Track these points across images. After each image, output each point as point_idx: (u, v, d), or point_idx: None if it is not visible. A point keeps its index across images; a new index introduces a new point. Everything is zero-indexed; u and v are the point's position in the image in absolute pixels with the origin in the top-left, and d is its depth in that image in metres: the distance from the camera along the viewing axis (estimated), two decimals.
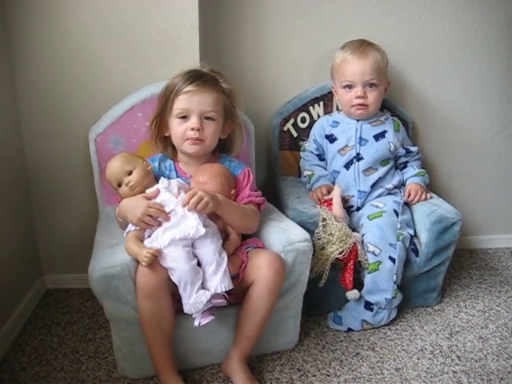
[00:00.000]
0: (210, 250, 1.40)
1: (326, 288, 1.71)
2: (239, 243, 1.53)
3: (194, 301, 1.36)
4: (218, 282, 1.38)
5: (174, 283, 1.38)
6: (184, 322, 1.46)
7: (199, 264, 1.41)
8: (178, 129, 1.55)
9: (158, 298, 1.39)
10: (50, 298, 1.96)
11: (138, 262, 1.39)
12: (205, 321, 1.39)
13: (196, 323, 1.39)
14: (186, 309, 1.37)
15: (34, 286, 1.92)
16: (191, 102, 1.52)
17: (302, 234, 1.54)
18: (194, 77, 1.54)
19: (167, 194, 1.45)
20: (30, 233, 1.93)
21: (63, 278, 2.01)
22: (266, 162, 2.14)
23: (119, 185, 1.50)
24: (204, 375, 1.55)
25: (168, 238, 1.37)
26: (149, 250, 1.35)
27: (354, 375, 1.55)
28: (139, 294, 1.38)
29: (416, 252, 1.78)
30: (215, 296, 1.38)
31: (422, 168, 1.98)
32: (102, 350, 1.66)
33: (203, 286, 1.38)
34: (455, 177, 2.26)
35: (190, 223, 1.39)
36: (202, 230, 1.38)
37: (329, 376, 1.55)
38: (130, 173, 1.49)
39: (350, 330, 1.76)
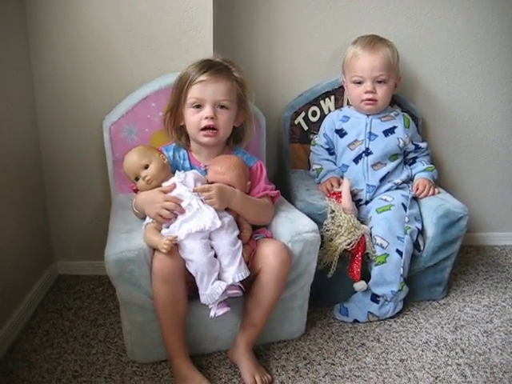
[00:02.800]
0: (225, 242, 1.43)
1: (333, 279, 1.73)
2: (251, 231, 1.56)
3: (210, 292, 1.39)
4: (235, 272, 1.41)
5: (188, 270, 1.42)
6: (194, 309, 1.49)
7: (216, 255, 1.43)
8: (192, 118, 1.58)
9: (175, 283, 1.41)
10: (61, 283, 2.00)
11: (155, 248, 1.42)
12: (220, 312, 1.41)
13: (212, 314, 1.42)
14: (203, 299, 1.40)
15: (46, 272, 1.96)
16: (205, 91, 1.55)
17: (310, 224, 1.56)
18: (208, 66, 1.57)
19: (183, 187, 1.48)
20: (44, 220, 1.97)
21: (75, 264, 2.05)
22: (276, 154, 2.16)
23: (136, 178, 1.53)
24: (211, 361, 1.58)
25: (185, 231, 1.40)
26: (168, 237, 1.39)
27: (359, 365, 1.57)
28: (156, 279, 1.41)
29: (418, 247, 1.80)
30: (231, 287, 1.41)
31: (431, 164, 1.99)
32: (112, 335, 1.69)
33: (220, 277, 1.41)
34: (464, 173, 2.27)
35: (205, 216, 1.41)
36: (218, 223, 1.40)
37: (334, 365, 1.57)
38: (146, 166, 1.51)
39: (355, 321, 1.78)
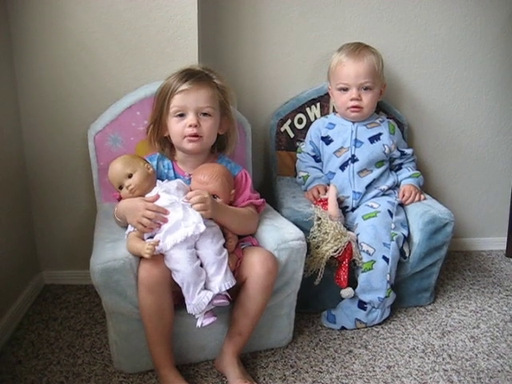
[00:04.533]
0: (211, 251, 1.42)
1: (320, 286, 1.73)
2: (237, 240, 1.56)
3: (196, 302, 1.38)
4: (221, 281, 1.40)
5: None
6: (180, 318, 1.48)
7: (202, 265, 1.43)
8: (176, 127, 1.58)
9: (161, 292, 1.41)
10: (47, 293, 1.98)
11: (140, 257, 1.41)
12: (207, 322, 1.41)
13: (198, 324, 1.41)
14: (189, 309, 1.40)
15: (31, 282, 1.94)
16: (187, 99, 1.55)
17: (295, 232, 1.56)
18: (189, 75, 1.57)
19: (166, 195, 1.47)
20: (29, 229, 1.96)
21: (61, 274, 2.03)
22: (262, 162, 2.16)
23: (120, 187, 1.53)
24: (198, 371, 1.57)
25: (170, 242, 1.39)
26: (150, 242, 1.38)
27: (346, 372, 1.57)
28: (141, 288, 1.40)
29: (404, 253, 1.80)
30: (217, 296, 1.40)
31: (417, 170, 2.00)
32: (98, 345, 1.68)
33: (206, 287, 1.41)
34: (450, 179, 2.29)
35: (190, 219, 1.41)
36: (202, 227, 1.40)
37: (321, 373, 1.57)
38: (130, 176, 1.51)
39: (343, 328, 1.78)
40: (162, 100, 1.59)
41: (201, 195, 1.44)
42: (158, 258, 1.40)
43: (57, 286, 2.02)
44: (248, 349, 1.60)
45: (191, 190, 1.51)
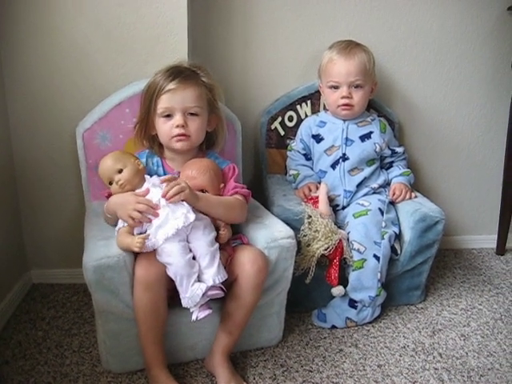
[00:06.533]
0: (203, 243, 1.42)
1: (311, 285, 1.72)
2: (231, 232, 1.54)
3: (190, 294, 1.37)
4: (214, 273, 1.39)
5: (169, 278, 1.40)
6: (171, 317, 1.47)
7: (194, 258, 1.42)
8: (163, 127, 1.56)
9: (157, 290, 1.40)
10: (35, 292, 1.96)
11: (134, 254, 1.41)
12: (202, 314, 1.39)
13: (193, 317, 1.39)
14: (184, 303, 1.38)
15: (19, 281, 1.92)
16: (174, 99, 1.53)
17: (285, 230, 1.55)
18: (175, 74, 1.55)
19: (156, 189, 1.46)
20: (17, 227, 1.94)
21: (49, 273, 2.01)
22: (253, 159, 2.15)
23: (110, 183, 1.51)
24: (188, 370, 1.56)
25: (162, 236, 1.38)
26: (140, 236, 1.37)
27: (337, 371, 1.56)
28: (138, 286, 1.39)
29: (395, 251, 1.80)
30: (211, 288, 1.39)
31: (408, 168, 2.00)
32: (87, 345, 1.66)
33: (199, 279, 1.39)
34: (441, 177, 2.29)
35: (179, 211, 1.40)
36: (192, 217, 1.39)
37: (311, 372, 1.56)
38: (120, 171, 1.49)
39: (333, 327, 1.77)
40: (148, 99, 1.57)
41: (177, 186, 1.41)
42: (154, 255, 1.39)
43: (45, 285, 2.00)
44: (238, 348, 1.59)
45: None
